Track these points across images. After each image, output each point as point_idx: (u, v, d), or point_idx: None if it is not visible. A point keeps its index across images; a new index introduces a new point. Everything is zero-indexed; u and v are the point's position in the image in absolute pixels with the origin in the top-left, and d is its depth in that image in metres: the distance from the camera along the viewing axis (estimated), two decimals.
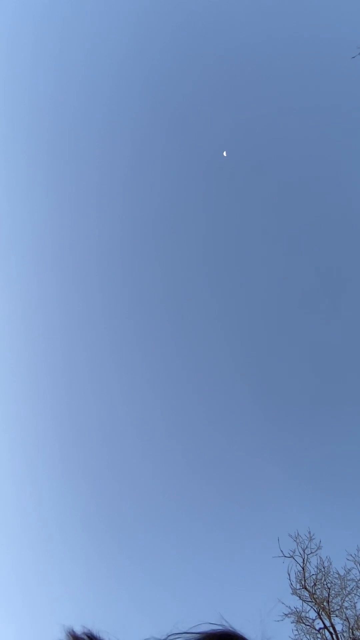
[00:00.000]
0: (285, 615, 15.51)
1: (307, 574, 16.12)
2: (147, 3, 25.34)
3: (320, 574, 16.06)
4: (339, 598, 15.58)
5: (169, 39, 26.40)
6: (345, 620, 15.18)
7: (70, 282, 29.37)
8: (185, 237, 28.45)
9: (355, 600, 15.24)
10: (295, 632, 15.32)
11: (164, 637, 1.31)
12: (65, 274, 28.98)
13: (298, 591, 15.98)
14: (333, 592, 15.69)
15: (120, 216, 28.89)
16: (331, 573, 15.95)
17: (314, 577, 16.08)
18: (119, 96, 27.53)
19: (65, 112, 27.43)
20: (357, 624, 14.85)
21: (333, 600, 15.59)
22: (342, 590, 15.60)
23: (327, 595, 15.69)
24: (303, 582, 16.02)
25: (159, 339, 28.79)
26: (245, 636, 1.30)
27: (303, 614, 15.57)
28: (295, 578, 16.10)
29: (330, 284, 26.25)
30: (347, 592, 15.48)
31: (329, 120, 25.47)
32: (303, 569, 16.21)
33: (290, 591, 15.93)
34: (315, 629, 15.32)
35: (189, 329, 28.66)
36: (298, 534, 16.56)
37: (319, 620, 15.44)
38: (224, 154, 25.42)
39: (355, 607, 15.16)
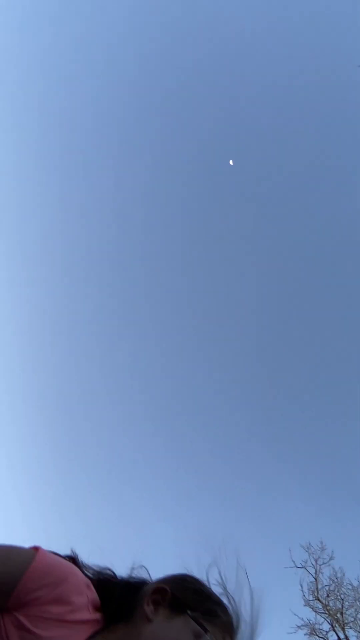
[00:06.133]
0: (298, 627, 15.28)
1: (319, 585, 15.90)
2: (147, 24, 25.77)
3: (333, 585, 15.83)
4: (353, 609, 15.33)
5: (168, 44, 26.75)
6: (359, 632, 14.94)
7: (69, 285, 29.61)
8: (185, 240, 28.60)
9: None
10: None
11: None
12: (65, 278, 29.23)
13: (311, 603, 15.75)
14: (347, 603, 15.45)
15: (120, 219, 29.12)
16: (344, 584, 15.72)
17: (326, 588, 15.86)
18: (117, 98, 27.83)
19: (63, 120, 27.77)
20: None
21: (347, 612, 15.34)
22: (355, 601, 15.36)
23: (340, 606, 15.45)
24: (316, 594, 15.79)
25: (157, 338, 28.79)
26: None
27: (316, 626, 15.34)
28: (308, 589, 15.88)
29: (330, 282, 26.12)
30: None
31: (330, 132, 25.64)
32: (315, 579, 15.98)
33: (303, 603, 15.72)
34: None
35: (188, 331, 28.70)
36: (310, 544, 16.35)
37: (332, 632, 15.19)
38: (230, 162, 25.61)
39: None
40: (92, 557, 1.29)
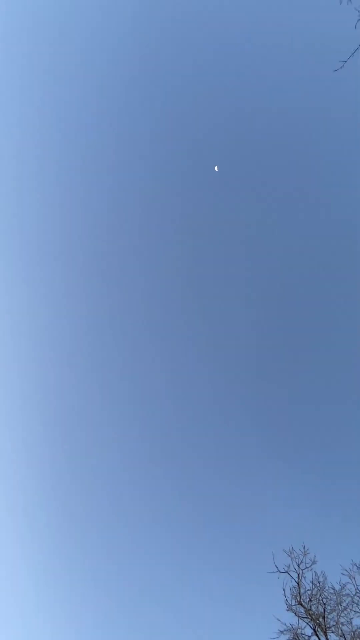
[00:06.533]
0: (281, 632, 15.26)
1: (302, 590, 15.91)
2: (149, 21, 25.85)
3: (316, 589, 15.85)
4: (335, 614, 15.36)
5: (168, 47, 26.89)
6: (341, 636, 14.94)
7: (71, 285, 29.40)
8: (186, 240, 28.67)
9: (352, 616, 15.04)
10: None
11: None
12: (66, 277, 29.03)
13: (293, 607, 15.74)
14: (329, 607, 15.47)
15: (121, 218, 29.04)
16: (326, 588, 15.75)
17: (309, 592, 15.87)
18: (119, 103, 27.85)
19: (66, 122, 27.67)
20: None
21: (329, 616, 15.36)
22: (337, 605, 15.39)
23: (322, 611, 15.47)
24: (298, 598, 15.80)
25: (160, 339, 28.79)
26: None
27: (299, 630, 15.32)
28: (291, 594, 15.88)
29: (328, 285, 26.47)
30: (342, 607, 15.26)
31: (314, 127, 26.03)
32: (298, 584, 15.99)
33: (286, 607, 15.70)
34: None
35: (191, 331, 28.71)
36: (292, 548, 16.37)
37: (315, 637, 15.19)
38: (215, 168, 25.78)
39: (351, 622, 14.95)
40: None
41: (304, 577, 16.06)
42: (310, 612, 15.53)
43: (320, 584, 15.85)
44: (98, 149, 28.11)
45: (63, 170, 27.79)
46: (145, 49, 26.27)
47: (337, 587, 15.56)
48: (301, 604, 15.71)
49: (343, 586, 15.43)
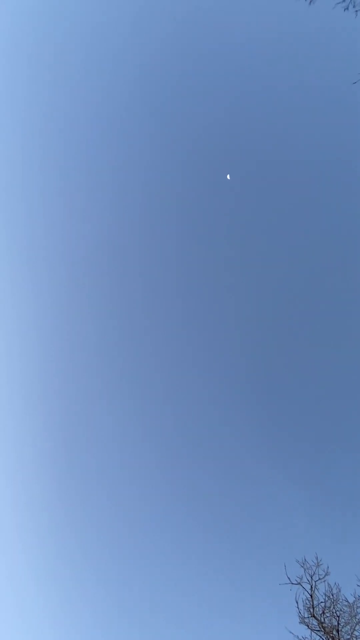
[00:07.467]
0: None
1: (315, 602, 15.65)
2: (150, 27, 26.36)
3: (329, 601, 15.58)
4: (349, 627, 15.08)
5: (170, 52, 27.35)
6: None
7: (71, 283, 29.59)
8: (187, 240, 28.86)
9: None
10: None
11: None
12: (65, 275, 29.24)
13: (306, 620, 15.47)
14: (342, 620, 15.20)
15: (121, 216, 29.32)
16: (340, 600, 15.48)
17: (322, 604, 15.61)
18: (120, 105, 28.26)
19: (67, 126, 28.09)
20: None
21: (343, 629, 15.09)
22: (352, 618, 15.12)
23: (336, 623, 15.19)
24: (311, 610, 15.53)
25: (160, 342, 28.79)
26: None
27: None
28: (303, 606, 15.62)
29: (329, 288, 26.47)
30: (357, 620, 15.00)
31: (329, 140, 26.30)
32: (311, 596, 15.73)
33: (298, 620, 15.44)
34: None
35: (189, 333, 28.70)
36: (305, 559, 16.15)
37: None
38: (228, 177, 26.07)
39: None
40: None
41: (317, 589, 15.80)
42: (324, 625, 15.25)
43: (334, 596, 15.59)
44: (102, 153, 28.50)
45: (64, 172, 28.14)
46: (150, 50, 26.73)
47: (352, 599, 15.32)
48: (314, 617, 15.44)
49: (358, 598, 15.18)
